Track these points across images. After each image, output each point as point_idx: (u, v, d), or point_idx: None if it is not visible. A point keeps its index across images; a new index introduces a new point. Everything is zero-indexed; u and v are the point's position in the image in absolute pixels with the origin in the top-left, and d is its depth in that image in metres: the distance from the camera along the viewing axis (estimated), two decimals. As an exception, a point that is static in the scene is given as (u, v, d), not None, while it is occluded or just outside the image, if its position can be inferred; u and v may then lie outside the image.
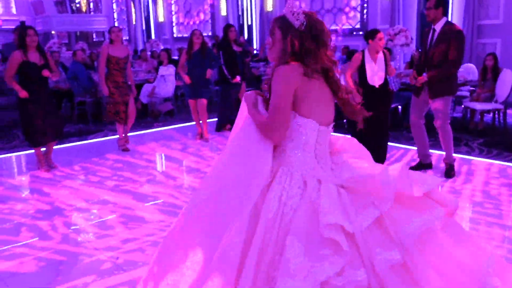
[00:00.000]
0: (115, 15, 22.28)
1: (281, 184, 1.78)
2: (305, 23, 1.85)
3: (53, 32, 20.12)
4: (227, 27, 6.80)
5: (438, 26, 4.51)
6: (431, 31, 4.57)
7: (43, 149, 5.31)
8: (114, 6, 22.47)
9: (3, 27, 21.21)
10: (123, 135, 6.13)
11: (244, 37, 14.13)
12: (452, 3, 9.62)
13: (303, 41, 1.83)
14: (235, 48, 6.76)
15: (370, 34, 4.84)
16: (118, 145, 6.17)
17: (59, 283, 2.87)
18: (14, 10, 22.92)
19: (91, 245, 3.40)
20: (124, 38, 19.91)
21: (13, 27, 12.57)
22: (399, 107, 7.12)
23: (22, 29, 4.99)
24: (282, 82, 1.80)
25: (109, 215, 3.95)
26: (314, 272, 1.56)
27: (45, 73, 4.92)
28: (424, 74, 4.53)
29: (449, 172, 4.74)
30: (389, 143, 6.14)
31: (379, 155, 4.98)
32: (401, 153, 5.71)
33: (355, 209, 1.70)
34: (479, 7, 9.28)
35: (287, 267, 1.56)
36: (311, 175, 1.81)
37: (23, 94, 4.84)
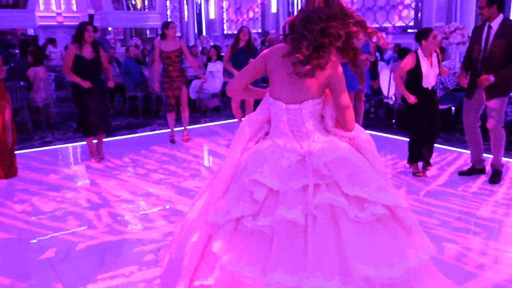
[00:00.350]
0: (168, 12, 22.80)
1: (257, 146, 2.14)
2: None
3: (110, 28, 20.89)
4: None
5: (494, 24, 4.25)
6: (486, 28, 4.31)
7: (94, 141, 5.54)
8: (168, 3, 23.00)
9: (64, 23, 22.27)
10: (183, 128, 6.40)
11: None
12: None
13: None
14: None
15: (423, 34, 4.51)
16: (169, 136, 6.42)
17: (104, 271, 2.97)
18: (74, 8, 23.98)
19: (134, 236, 3.50)
20: (177, 35, 20.38)
21: (74, 23, 13.17)
22: (453, 108, 6.82)
23: (82, 25, 5.23)
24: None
25: (153, 208, 4.05)
26: (231, 211, 1.93)
27: (110, 84, 5.47)
28: (490, 76, 4.20)
29: (495, 178, 4.49)
30: (441, 146, 5.94)
31: (428, 156, 4.81)
32: (454, 157, 5.47)
33: (298, 177, 1.92)
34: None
35: (219, 204, 2.00)
36: (273, 143, 2.08)
37: (86, 84, 5.11)
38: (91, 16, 20.04)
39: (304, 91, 2.00)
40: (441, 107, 6.73)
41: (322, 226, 1.83)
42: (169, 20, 22.42)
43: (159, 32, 6.30)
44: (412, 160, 4.82)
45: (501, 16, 4.26)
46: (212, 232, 2.00)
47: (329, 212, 1.85)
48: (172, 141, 6.32)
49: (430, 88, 4.60)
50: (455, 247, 3.25)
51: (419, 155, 4.77)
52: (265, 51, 2.11)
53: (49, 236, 3.52)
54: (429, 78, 4.53)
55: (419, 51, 4.54)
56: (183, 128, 6.46)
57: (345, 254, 1.77)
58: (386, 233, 1.88)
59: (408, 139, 4.90)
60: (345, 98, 2.02)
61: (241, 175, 2.03)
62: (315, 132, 2.05)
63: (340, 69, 2.00)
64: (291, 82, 2.00)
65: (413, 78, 4.56)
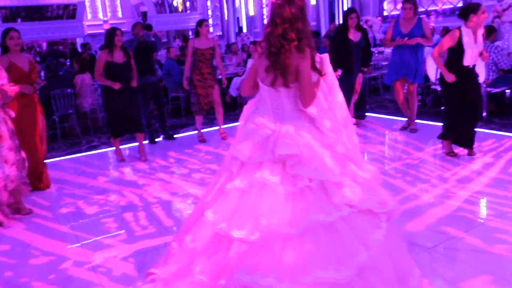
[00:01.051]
0: (209, 12, 23.00)
1: (247, 123, 2.55)
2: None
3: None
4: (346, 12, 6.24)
5: None
6: None
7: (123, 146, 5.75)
8: (208, 3, 23.20)
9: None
10: (218, 127, 6.35)
11: (335, 24, 13.73)
12: None
13: None
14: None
15: (471, 9, 4.30)
16: (197, 136, 6.41)
17: (144, 275, 2.96)
18: (120, 14, 24.73)
19: (170, 239, 3.48)
20: (217, 34, 20.56)
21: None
22: (507, 91, 6.37)
23: (111, 30, 5.32)
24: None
25: (190, 210, 4.02)
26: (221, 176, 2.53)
27: (133, 83, 5.47)
28: None
29: None
30: (497, 132, 5.57)
31: (470, 139, 4.68)
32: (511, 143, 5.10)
33: (264, 151, 2.35)
34: None
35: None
36: (257, 121, 2.46)
37: (117, 85, 5.23)
38: (144, 14, 20.45)
39: (281, 79, 2.35)
40: (494, 90, 6.32)
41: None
42: (210, 20, 22.71)
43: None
44: (445, 137, 4.71)
45: None
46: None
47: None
48: (202, 141, 6.33)
49: (471, 67, 4.42)
50: (508, 238, 3.01)
51: (454, 135, 4.66)
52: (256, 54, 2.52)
53: (92, 240, 3.58)
54: (472, 56, 4.36)
55: (463, 28, 4.36)
56: (218, 127, 6.45)
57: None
58: (306, 201, 2.24)
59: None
60: (306, 83, 2.32)
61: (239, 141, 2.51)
62: (291, 113, 2.41)
63: (307, 61, 2.32)
64: (270, 72, 2.38)
65: (454, 55, 4.40)
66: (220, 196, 2.45)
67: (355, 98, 6.38)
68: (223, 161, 2.67)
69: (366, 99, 6.88)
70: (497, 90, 6.32)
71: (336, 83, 2.53)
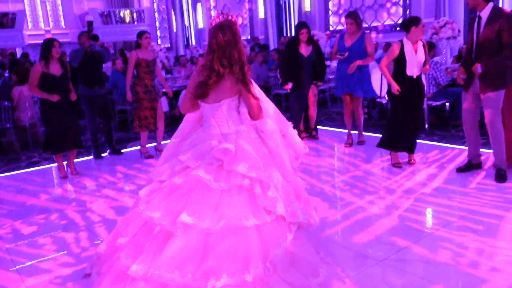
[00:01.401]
0: (157, 24, 22.71)
1: (194, 135, 2.72)
2: None
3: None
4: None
5: (484, 13, 4.12)
6: (477, 18, 4.19)
7: (64, 162, 5.52)
8: (156, 15, 22.92)
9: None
10: (158, 141, 6.15)
11: (286, 37, 13.95)
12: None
13: None
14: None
15: (413, 21, 4.60)
16: (141, 152, 6.16)
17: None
18: (63, 24, 23.88)
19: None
20: (166, 46, 20.29)
21: (64, 40, 13.02)
22: (447, 104, 6.67)
23: (48, 41, 5.08)
24: None
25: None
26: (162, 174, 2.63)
27: (72, 96, 5.25)
28: (478, 65, 4.11)
29: (500, 177, 4.27)
30: (438, 143, 5.80)
31: (411, 146, 4.92)
32: (454, 154, 5.32)
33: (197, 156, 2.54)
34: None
35: (158, 169, 2.70)
36: (202, 132, 2.67)
37: (55, 98, 5.01)
38: (90, 24, 19.80)
39: (220, 95, 2.57)
40: (434, 103, 6.61)
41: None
42: (158, 32, 22.41)
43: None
44: (389, 147, 4.92)
45: (490, 5, 4.12)
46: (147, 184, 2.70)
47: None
48: (149, 157, 6.05)
49: (414, 77, 4.68)
50: (453, 247, 3.09)
51: (398, 144, 4.86)
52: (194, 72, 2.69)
53: (29, 264, 3.33)
54: (413, 65, 4.62)
55: (404, 39, 4.66)
56: (156, 143, 6.23)
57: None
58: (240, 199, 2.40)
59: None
60: (252, 98, 2.56)
61: (179, 153, 2.63)
62: (231, 121, 2.60)
63: (246, 85, 2.55)
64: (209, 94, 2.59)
65: (398, 66, 4.67)
66: (154, 192, 2.57)
67: (312, 110, 6.45)
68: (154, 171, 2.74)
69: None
70: (438, 103, 6.61)
71: (266, 99, 2.71)
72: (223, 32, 2.49)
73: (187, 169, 2.53)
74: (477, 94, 4.30)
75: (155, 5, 23.02)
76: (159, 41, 21.82)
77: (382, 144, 4.98)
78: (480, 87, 4.20)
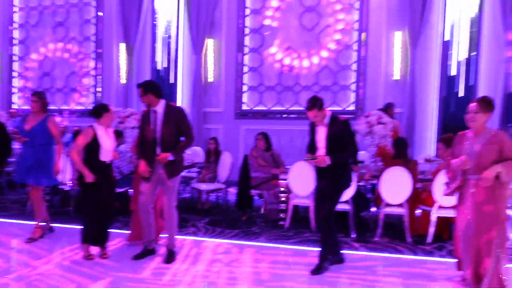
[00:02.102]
0: None
1: None
2: None
3: None
4: None
5: (159, 108, 4.60)
6: (152, 112, 4.60)
7: None
8: None
9: None
10: None
11: None
12: (182, 93, 10.52)
13: None
14: None
15: (104, 108, 4.77)
16: None
17: None
18: None
19: None
20: None
21: None
22: (130, 190, 6.91)
23: None
24: None
25: None
26: None
27: None
28: (169, 154, 4.49)
29: (169, 258, 4.70)
30: (119, 231, 5.81)
31: (104, 238, 4.82)
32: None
33: None
34: (204, 96, 10.31)
35: None
36: None
37: None
38: None
39: None
40: (118, 190, 6.74)
41: None
42: None
43: None
44: (86, 240, 4.72)
45: (163, 101, 4.62)
46: None
47: None
48: None
49: (107, 162, 4.72)
50: None
51: (94, 236, 4.71)
52: None
53: None
54: (109, 151, 4.69)
55: (96, 125, 4.69)
56: None
57: None
58: None
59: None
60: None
61: None
62: None
63: None
64: None
65: (91, 151, 4.63)
66: None
67: None
68: None
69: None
70: (122, 190, 6.76)
71: None
72: None
73: None
74: (156, 181, 4.67)
75: None
76: None
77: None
78: (167, 173, 4.60)
